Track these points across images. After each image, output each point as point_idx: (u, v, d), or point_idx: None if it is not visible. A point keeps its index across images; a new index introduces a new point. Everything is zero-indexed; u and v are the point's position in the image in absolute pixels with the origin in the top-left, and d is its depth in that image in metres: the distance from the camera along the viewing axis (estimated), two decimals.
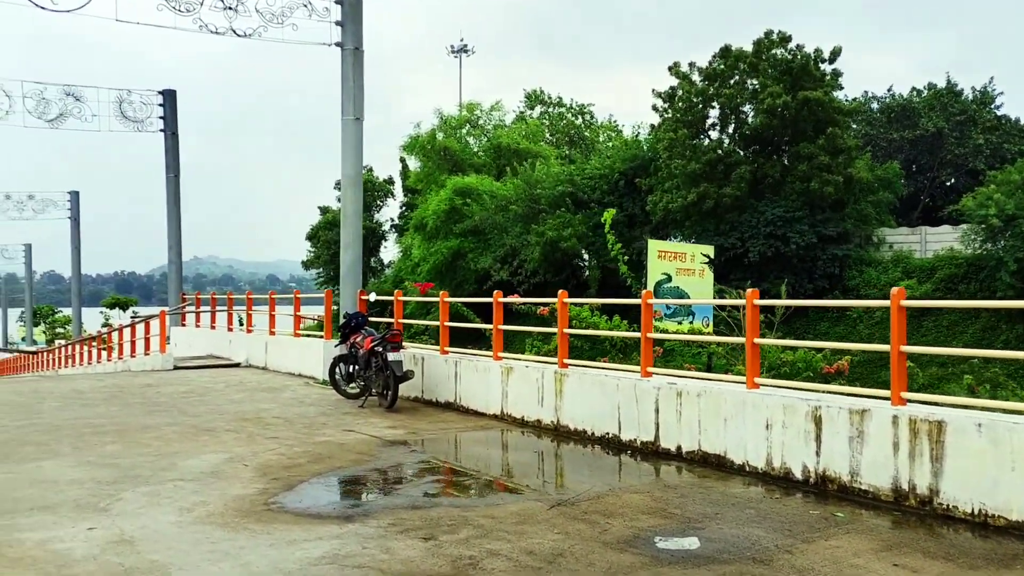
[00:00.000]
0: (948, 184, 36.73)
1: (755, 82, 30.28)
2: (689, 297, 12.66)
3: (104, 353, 22.08)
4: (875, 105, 39.58)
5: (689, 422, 7.72)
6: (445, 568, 4.80)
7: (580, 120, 56.37)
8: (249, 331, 18.05)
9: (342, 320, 12.21)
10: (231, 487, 6.77)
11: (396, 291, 13.08)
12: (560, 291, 9.53)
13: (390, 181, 50.68)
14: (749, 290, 7.42)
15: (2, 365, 39.63)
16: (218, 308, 20.06)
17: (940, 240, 28.07)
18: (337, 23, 13.57)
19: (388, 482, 7.12)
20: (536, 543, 5.26)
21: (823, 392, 7.07)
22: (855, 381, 12.87)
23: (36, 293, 64.65)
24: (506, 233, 35.15)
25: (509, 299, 11.01)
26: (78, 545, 5.22)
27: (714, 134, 32.01)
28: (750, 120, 30.45)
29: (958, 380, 14.23)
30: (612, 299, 12.45)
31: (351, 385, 12.01)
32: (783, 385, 7.37)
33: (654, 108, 32.51)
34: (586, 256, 34.01)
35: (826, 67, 30.03)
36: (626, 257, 12.91)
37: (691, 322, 12.66)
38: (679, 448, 7.83)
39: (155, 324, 19.41)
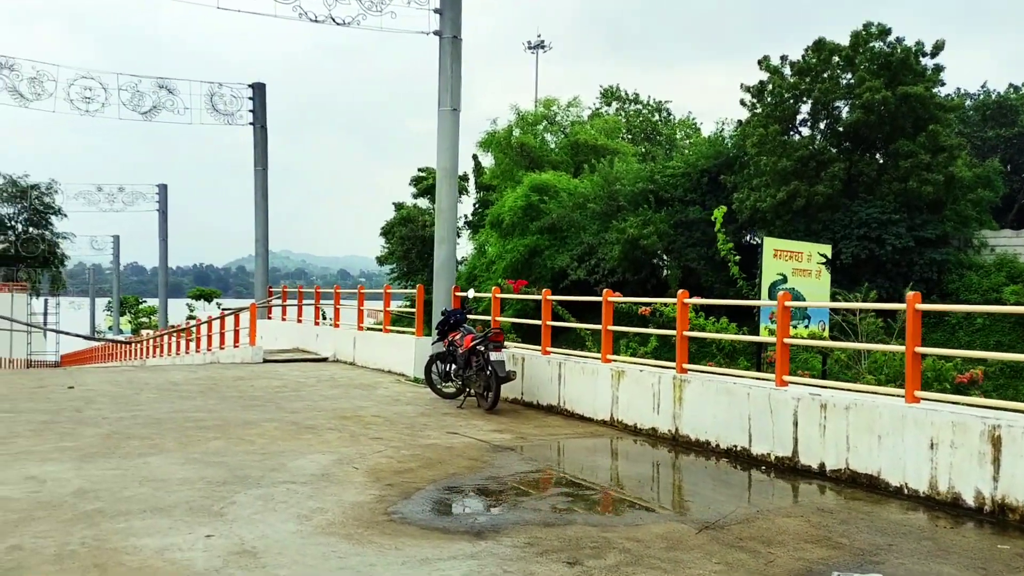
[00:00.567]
0: None
1: (850, 76, 29.01)
2: (804, 299, 11.86)
3: (192, 344, 22.28)
4: (968, 102, 37.70)
5: (835, 438, 7.02)
6: None
7: (657, 117, 55.38)
8: (336, 326, 17.87)
9: (440, 317, 11.82)
10: (346, 492, 6.38)
11: (494, 288, 12.62)
12: (680, 291, 8.91)
13: (464, 178, 50.56)
14: (910, 293, 6.68)
15: (92, 353, 40.83)
16: (305, 302, 19.98)
17: None
18: (436, 11, 13.18)
19: (509, 493, 6.63)
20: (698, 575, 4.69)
21: (996, 408, 6.30)
22: (991, 393, 11.91)
23: (120, 284, 66.64)
24: (584, 231, 34.54)
25: (619, 298, 10.43)
26: (198, 555, 4.86)
27: (805, 130, 30.80)
28: (844, 116, 29.16)
29: None
30: (733, 300, 11.71)
31: (447, 384, 11.62)
32: (948, 400, 6.62)
33: (741, 103, 31.46)
34: (665, 256, 33.21)
35: (927, 61, 28.54)
36: (737, 257, 12.17)
37: (806, 326, 11.86)
38: (822, 466, 7.14)
39: (242, 316, 19.46)
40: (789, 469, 7.40)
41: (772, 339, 7.99)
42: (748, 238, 31.62)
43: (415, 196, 52.77)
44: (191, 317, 51.80)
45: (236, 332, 18.84)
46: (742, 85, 31.37)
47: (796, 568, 4.82)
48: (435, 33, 13.19)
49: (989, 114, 36.60)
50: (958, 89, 39.68)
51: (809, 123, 30.76)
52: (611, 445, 8.76)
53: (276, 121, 22.77)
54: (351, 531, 5.39)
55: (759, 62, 30.99)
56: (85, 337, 43.17)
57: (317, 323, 19.07)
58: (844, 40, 29.40)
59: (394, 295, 20.09)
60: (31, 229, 60.78)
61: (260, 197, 22.48)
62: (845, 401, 6.99)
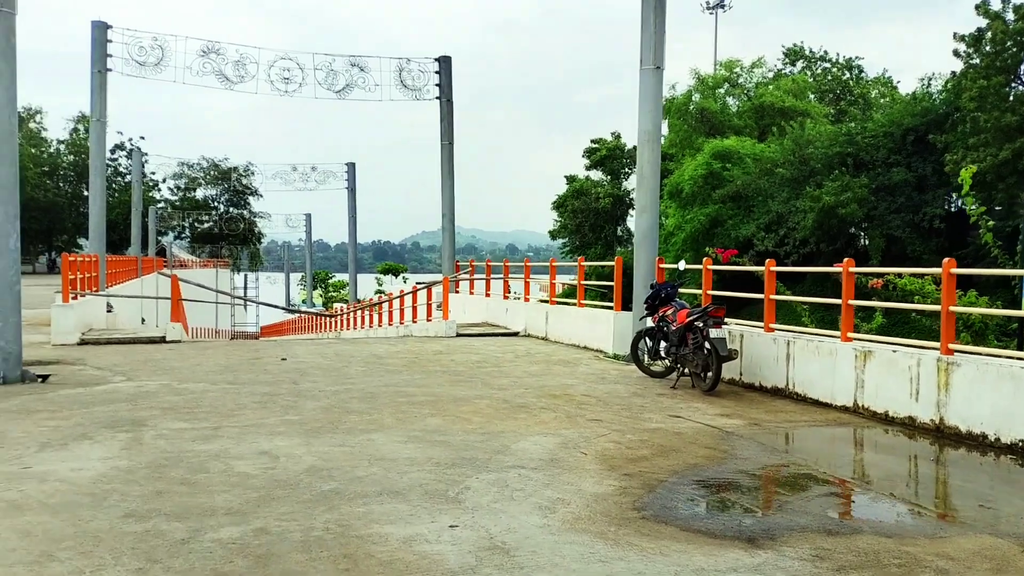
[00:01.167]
0: None
1: None
2: None
3: (385, 317, 22.83)
4: None
5: None
6: None
7: (847, 75, 51.41)
8: (527, 299, 17.57)
9: (649, 291, 11.11)
10: (582, 482, 5.85)
11: (705, 259, 11.74)
12: (946, 260, 7.69)
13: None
14: None
15: (289, 325, 43.39)
16: (493, 276, 19.86)
17: None
18: None
19: (764, 490, 5.86)
20: None
21: None
22: None
23: (312, 259, 70.54)
24: (772, 199, 32.45)
25: (862, 269, 9.29)
26: (446, 549, 4.47)
27: None
28: None
29: None
30: (999, 271, 10.23)
31: (656, 362, 10.92)
32: None
33: (955, 54, 28.26)
34: (865, 225, 30.63)
35: None
36: (991, 223, 10.58)
37: None
38: None
39: (426, 292, 19.63)
40: None
41: None
42: (959, 203, 28.62)
43: (588, 168, 52.11)
44: (379, 291, 53.99)
45: (428, 306, 19.00)
46: (955, 34, 28.18)
47: None
48: None
49: None
50: None
51: None
52: (860, 435, 7.73)
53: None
54: (603, 528, 4.84)
55: (976, 7, 27.67)
56: (290, 310, 45.87)
57: (506, 297, 18.87)
58: None
59: (566, 268, 19.59)
60: (231, 209, 65.54)
61: (447, 171, 22.54)
62: None
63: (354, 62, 21.37)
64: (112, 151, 59.39)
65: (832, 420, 8.32)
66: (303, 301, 63.99)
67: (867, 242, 30.32)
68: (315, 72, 20.88)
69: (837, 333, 8.99)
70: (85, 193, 62.47)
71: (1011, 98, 26.00)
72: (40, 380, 10.35)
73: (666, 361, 10.69)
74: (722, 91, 43.78)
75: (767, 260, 10.41)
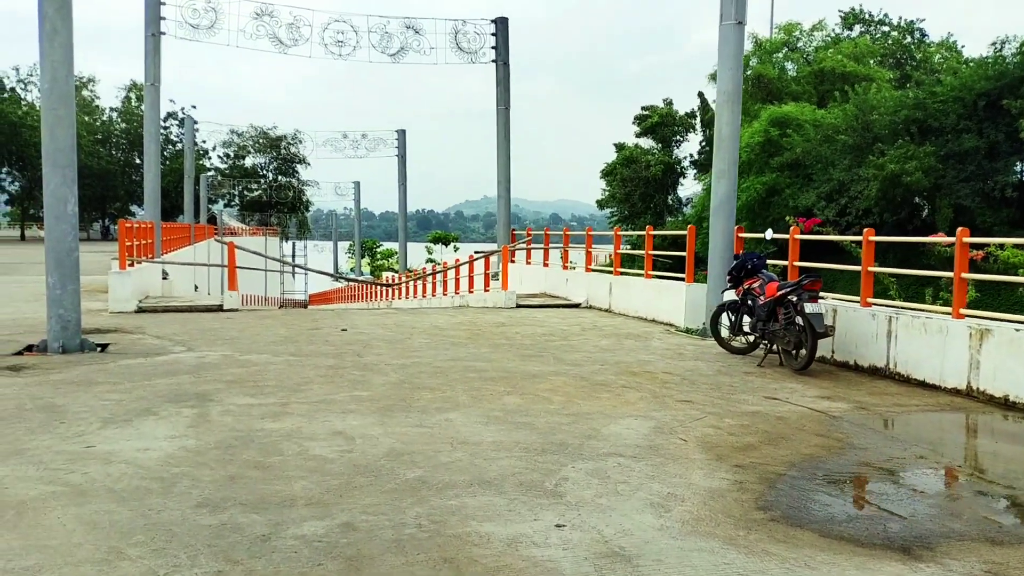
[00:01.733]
0: None
1: None
2: None
3: (440, 287, 22.39)
4: None
5: None
6: None
7: (909, 39, 49.36)
8: (588, 270, 16.95)
9: (733, 262, 10.43)
10: (691, 474, 5.28)
11: (792, 228, 10.99)
12: None
13: (690, 115, 48.01)
14: None
15: (338, 293, 43.34)
16: (552, 245, 19.25)
17: None
18: None
19: (899, 487, 5.22)
20: None
21: None
22: None
23: (352, 229, 70.47)
24: (832, 167, 31.11)
25: (977, 239, 8.50)
26: (558, 554, 3.94)
27: None
28: None
29: None
30: None
31: (738, 338, 10.27)
32: None
33: None
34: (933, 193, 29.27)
35: None
36: None
37: None
38: None
39: (484, 262, 19.10)
40: None
41: None
42: None
43: (637, 136, 50.93)
44: (430, 259, 53.63)
45: (486, 276, 18.49)
46: None
47: None
48: None
49: None
50: None
51: None
52: (983, 422, 7.03)
53: (488, 67, 21.83)
54: (730, 533, 4.27)
55: None
56: (344, 278, 45.66)
57: (566, 267, 18.27)
58: None
59: (626, 238, 18.87)
60: (280, 177, 65.73)
61: (502, 137, 21.87)
62: None
63: (409, 24, 20.75)
64: (164, 119, 59.83)
65: (945, 404, 7.61)
66: (351, 269, 64.00)
67: (932, 212, 29.02)
68: (369, 35, 20.36)
69: (947, 309, 8.24)
70: (137, 161, 63.14)
71: None
72: (99, 349, 10.08)
73: (749, 337, 10.04)
74: (780, 55, 42.26)
75: (865, 230, 9.64)
